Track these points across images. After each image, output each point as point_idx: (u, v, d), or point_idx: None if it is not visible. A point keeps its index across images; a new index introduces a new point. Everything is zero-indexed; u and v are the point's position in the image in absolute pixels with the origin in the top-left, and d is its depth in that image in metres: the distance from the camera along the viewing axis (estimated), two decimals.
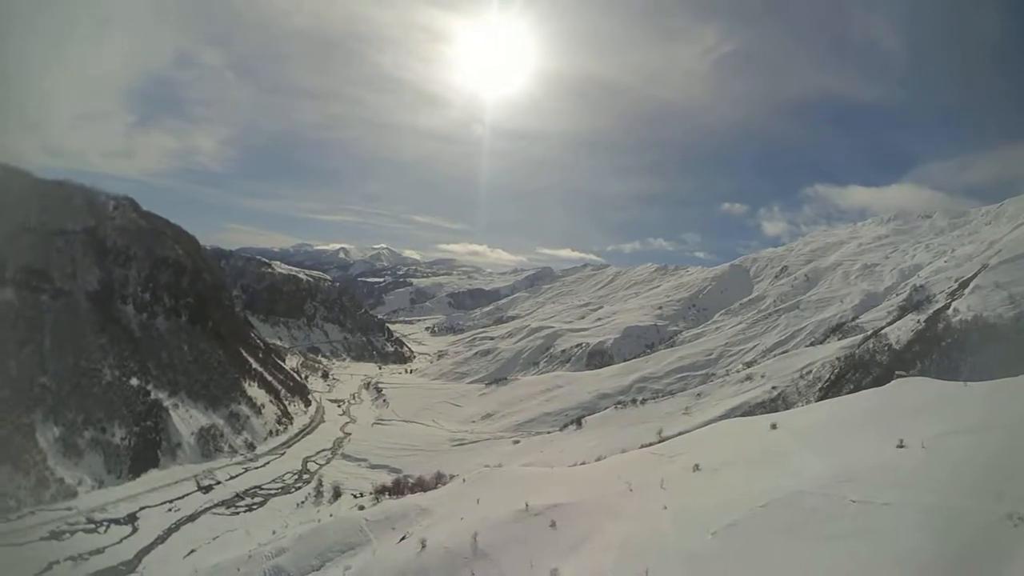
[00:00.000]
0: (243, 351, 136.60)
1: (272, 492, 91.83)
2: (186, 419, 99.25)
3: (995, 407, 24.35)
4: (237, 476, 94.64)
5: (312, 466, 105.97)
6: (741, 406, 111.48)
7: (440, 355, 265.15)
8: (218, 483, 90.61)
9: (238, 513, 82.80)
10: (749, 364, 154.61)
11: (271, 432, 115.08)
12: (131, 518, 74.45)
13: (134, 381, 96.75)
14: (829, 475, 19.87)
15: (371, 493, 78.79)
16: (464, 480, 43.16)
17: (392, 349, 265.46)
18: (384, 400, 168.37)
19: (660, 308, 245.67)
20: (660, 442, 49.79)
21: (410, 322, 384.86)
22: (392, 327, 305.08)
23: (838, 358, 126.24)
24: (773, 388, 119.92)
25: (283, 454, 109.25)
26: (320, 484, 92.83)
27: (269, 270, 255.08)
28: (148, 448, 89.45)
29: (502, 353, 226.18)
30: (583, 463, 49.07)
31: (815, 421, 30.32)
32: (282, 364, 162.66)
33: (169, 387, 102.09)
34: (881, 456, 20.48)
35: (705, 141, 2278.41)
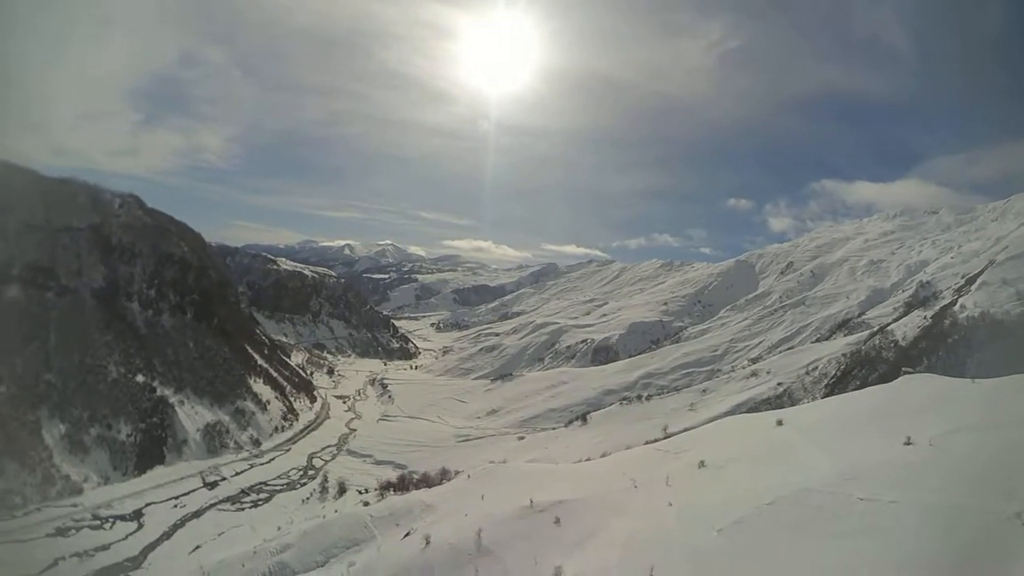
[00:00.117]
0: (248, 347, 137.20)
1: (277, 488, 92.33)
2: (192, 416, 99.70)
3: (1003, 404, 23.96)
4: (242, 472, 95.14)
5: (317, 462, 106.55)
6: (746, 402, 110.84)
7: (445, 351, 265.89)
8: (223, 479, 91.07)
9: (243, 509, 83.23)
10: (755, 360, 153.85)
11: (276, 428, 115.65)
12: (137, 514, 74.94)
13: (140, 378, 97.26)
14: (836, 472, 19.63)
15: (376, 489, 78.98)
16: (469, 476, 43.19)
17: (397, 345, 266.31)
18: (389, 396, 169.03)
19: (665, 304, 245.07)
20: (665, 438, 49.61)
21: (415, 318, 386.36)
22: (397, 323, 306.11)
23: (844, 354, 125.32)
24: (779, 384, 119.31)
25: (288, 450, 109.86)
26: (325, 480, 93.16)
27: (274, 267, 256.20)
28: (154, 445, 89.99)
29: (507, 349, 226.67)
30: (588, 459, 48.87)
31: (821, 418, 29.99)
32: (287, 360, 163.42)
33: (175, 384, 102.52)
34: (888, 453, 20.20)
35: (710, 137, 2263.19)
